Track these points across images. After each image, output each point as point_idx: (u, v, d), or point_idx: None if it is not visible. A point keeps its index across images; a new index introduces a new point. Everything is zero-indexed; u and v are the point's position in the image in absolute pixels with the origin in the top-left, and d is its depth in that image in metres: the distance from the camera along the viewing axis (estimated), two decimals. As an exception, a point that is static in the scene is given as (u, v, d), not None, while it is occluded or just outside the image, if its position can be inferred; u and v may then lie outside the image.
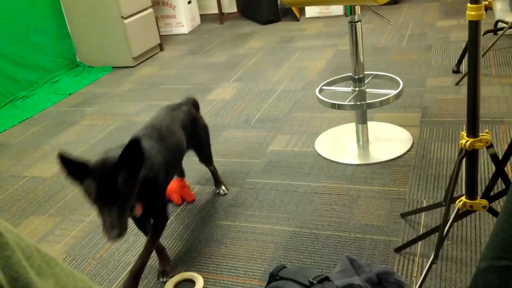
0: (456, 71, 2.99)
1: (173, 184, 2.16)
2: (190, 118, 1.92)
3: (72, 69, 4.24)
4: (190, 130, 1.90)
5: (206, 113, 3.02)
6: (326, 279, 1.24)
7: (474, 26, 1.32)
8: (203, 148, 2.04)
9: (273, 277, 1.34)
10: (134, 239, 1.95)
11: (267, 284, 1.36)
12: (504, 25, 3.38)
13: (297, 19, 4.76)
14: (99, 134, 2.97)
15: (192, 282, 1.68)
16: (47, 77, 4.04)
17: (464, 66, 3.02)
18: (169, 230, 1.97)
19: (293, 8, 4.73)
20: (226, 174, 2.30)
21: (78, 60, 4.34)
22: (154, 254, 1.83)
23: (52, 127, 3.20)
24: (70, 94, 3.76)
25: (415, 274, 1.56)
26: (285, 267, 1.36)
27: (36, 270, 0.53)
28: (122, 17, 3.98)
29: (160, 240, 1.83)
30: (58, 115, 3.40)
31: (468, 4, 1.30)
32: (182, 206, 2.12)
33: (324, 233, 1.81)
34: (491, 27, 3.50)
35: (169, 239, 1.92)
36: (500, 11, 3.67)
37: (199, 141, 2.00)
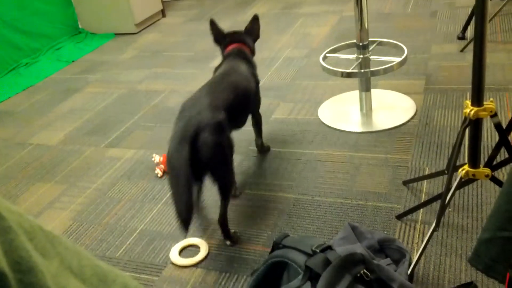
0: (462, 37, 2.96)
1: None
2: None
3: (75, 36, 4.21)
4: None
5: (209, 80, 3.00)
6: (329, 248, 1.26)
7: (480, -8, 1.30)
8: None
9: (277, 245, 1.36)
10: (140, 206, 1.98)
11: (270, 252, 1.39)
12: (512, -10, 3.31)
13: (301, -16, 4.65)
14: (103, 102, 2.97)
15: (197, 247, 1.71)
16: (50, 44, 4.02)
17: (469, 33, 2.99)
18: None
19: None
20: (230, 142, 2.31)
21: (80, 26, 4.30)
22: (153, 227, 1.87)
23: (56, 95, 3.20)
24: (73, 61, 3.75)
25: (416, 241, 1.59)
26: (288, 235, 1.38)
27: (40, 251, 0.54)
28: (124, -18, 3.93)
29: (166, 205, 1.86)
30: (61, 83, 3.39)
31: (475, -29, 1.28)
32: (186, 173, 2.14)
33: (326, 200, 1.84)
34: (499, -8, 3.43)
35: (172, 206, 1.94)
36: (508, -25, 3.59)
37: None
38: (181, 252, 1.71)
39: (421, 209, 1.70)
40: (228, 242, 1.71)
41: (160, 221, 1.88)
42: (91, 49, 3.93)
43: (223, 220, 1.68)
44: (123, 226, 1.89)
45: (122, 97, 3.00)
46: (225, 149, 1.62)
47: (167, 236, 1.79)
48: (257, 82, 2.00)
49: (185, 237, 1.75)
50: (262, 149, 2.19)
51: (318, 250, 1.25)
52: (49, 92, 3.27)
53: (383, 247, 1.43)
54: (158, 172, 2.15)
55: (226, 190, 1.67)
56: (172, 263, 1.67)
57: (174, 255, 1.69)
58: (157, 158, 2.20)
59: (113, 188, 2.13)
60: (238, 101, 1.77)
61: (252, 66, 2.00)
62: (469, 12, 2.97)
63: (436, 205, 1.70)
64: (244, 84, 1.85)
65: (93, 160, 2.38)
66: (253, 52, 2.09)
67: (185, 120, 1.57)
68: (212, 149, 1.55)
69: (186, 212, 1.50)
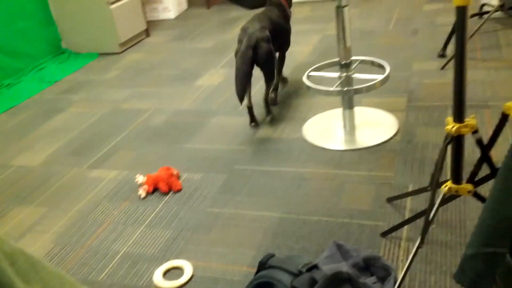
0: (442, 55, 3.00)
1: (161, 173, 2.16)
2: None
3: (58, 56, 4.19)
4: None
5: (194, 99, 3.01)
6: (315, 267, 1.25)
7: (461, 11, 1.32)
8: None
9: (262, 265, 1.35)
10: (123, 228, 1.95)
11: (256, 273, 1.37)
12: (489, 8, 3.39)
13: (284, 3, 4.72)
14: (86, 121, 2.95)
15: (181, 270, 1.69)
16: (33, 64, 3.99)
17: (449, 50, 3.04)
18: (157, 218, 1.98)
19: (280, -8, 4.69)
20: (214, 161, 2.30)
21: (63, 46, 4.29)
22: (136, 249, 1.84)
23: (39, 115, 3.17)
24: (56, 81, 3.72)
25: (401, 258, 1.59)
26: (274, 255, 1.37)
27: (21, 276, 0.52)
28: (108, 2, 3.93)
29: (149, 227, 1.84)
30: (44, 103, 3.36)
31: (455, -11, 1.30)
32: (170, 194, 2.12)
33: (312, 218, 1.83)
34: (477, 11, 3.50)
35: (157, 227, 1.92)
36: (486, -6, 3.67)
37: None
38: (165, 274, 1.69)
39: (406, 226, 1.70)
40: (268, 118, 2.62)
41: (143, 243, 1.85)
42: (74, 69, 3.91)
43: (266, 99, 2.61)
44: (106, 248, 1.86)
45: (105, 116, 2.98)
46: (271, 52, 2.45)
47: (151, 259, 1.77)
48: (289, 27, 2.79)
49: (242, 105, 2.48)
50: (285, 81, 2.98)
51: (304, 270, 1.24)
52: (31, 113, 3.24)
53: (369, 265, 1.43)
54: (142, 193, 2.13)
55: (270, 78, 2.52)
56: (156, 286, 1.64)
57: (157, 278, 1.66)
58: (140, 178, 2.18)
59: (95, 210, 2.10)
60: (275, 30, 2.56)
61: (286, 13, 2.75)
62: (449, 31, 3.02)
63: (420, 221, 1.70)
64: (278, 21, 2.66)
65: (75, 181, 2.35)
66: (289, 4, 2.82)
67: (248, 35, 2.43)
68: (265, 51, 2.41)
69: (242, 91, 2.42)
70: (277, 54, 2.69)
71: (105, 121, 2.92)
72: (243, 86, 2.42)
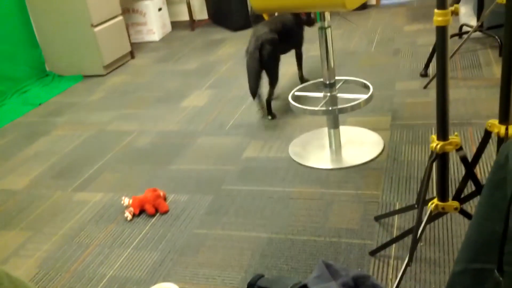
0: (424, 74, 3.06)
1: (147, 194, 2.14)
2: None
3: (42, 79, 4.17)
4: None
5: (179, 120, 3.00)
6: (304, 287, 1.25)
7: (441, 31, 1.35)
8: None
9: (251, 286, 1.34)
10: (109, 251, 1.93)
11: (245, 293, 1.36)
12: (469, 28, 3.47)
13: (268, 25, 4.78)
14: (71, 144, 2.92)
15: (169, 292, 1.67)
16: (16, 87, 3.96)
17: (431, 70, 3.09)
18: (144, 240, 1.95)
19: (264, 15, 4.75)
20: (201, 182, 2.30)
21: (47, 69, 4.27)
22: (122, 272, 1.82)
23: (22, 139, 3.14)
24: (40, 104, 3.70)
25: (390, 277, 1.59)
26: (263, 276, 1.36)
27: None
28: (92, 25, 3.94)
29: (136, 250, 1.82)
30: (28, 126, 3.33)
31: (435, 10, 1.33)
32: (156, 216, 2.10)
33: (300, 238, 1.83)
34: (456, 31, 3.59)
35: (144, 250, 1.90)
36: (464, 15, 3.77)
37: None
38: (153, 297, 1.66)
39: (394, 244, 1.71)
40: (269, 117, 2.83)
41: (130, 266, 1.83)
42: (58, 92, 3.89)
43: (269, 100, 2.82)
44: (92, 273, 1.83)
45: (90, 139, 2.96)
46: (274, 54, 2.74)
47: (138, 282, 1.74)
48: (301, 29, 3.07)
49: (253, 99, 2.83)
50: (303, 80, 3.25)
51: (293, 290, 1.23)
52: (14, 136, 3.20)
53: (358, 284, 1.42)
54: (128, 215, 2.10)
55: (273, 79, 2.80)
56: (144, 310, 1.62)
57: (145, 301, 1.63)
58: (126, 200, 2.16)
59: (80, 234, 2.07)
60: (286, 32, 2.86)
61: (299, 16, 2.97)
62: (430, 51, 3.08)
63: (408, 239, 1.71)
64: (289, 24, 2.92)
65: (60, 204, 2.32)
66: None
67: (256, 37, 2.70)
68: (267, 53, 2.68)
69: (254, 88, 2.76)
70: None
71: (90, 144, 2.90)
72: (254, 84, 2.76)
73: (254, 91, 2.76)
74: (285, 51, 3.01)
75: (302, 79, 3.23)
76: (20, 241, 2.09)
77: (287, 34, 2.89)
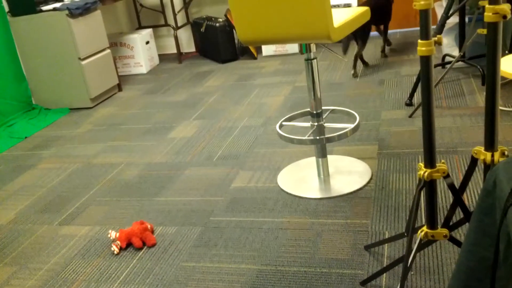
0: (409, 104, 3.10)
1: (134, 227, 2.12)
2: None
3: (28, 112, 4.15)
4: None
5: (166, 152, 2.99)
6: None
7: (425, 60, 1.38)
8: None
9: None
10: (96, 286, 1.88)
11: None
12: (451, 59, 3.55)
13: (254, 58, 4.84)
14: (56, 178, 2.89)
15: (157, 327, 1.63)
16: (2, 121, 3.93)
17: (416, 99, 3.14)
18: (131, 274, 1.92)
19: (250, 47, 4.82)
20: (189, 213, 2.27)
21: (34, 102, 4.26)
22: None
23: (7, 173, 3.10)
24: (25, 137, 3.67)
25: (382, 307, 1.57)
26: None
27: None
28: (79, 58, 3.95)
29: (124, 284, 1.78)
30: (13, 160, 3.30)
31: (419, 40, 1.36)
32: (144, 249, 2.07)
33: (290, 269, 1.81)
34: (439, 61, 3.66)
35: (131, 284, 1.86)
36: (446, 45, 3.86)
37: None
38: (140, 333, 1.62)
39: (384, 274, 1.70)
40: (364, 65, 3.96)
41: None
42: (45, 125, 3.87)
43: (356, 55, 3.80)
44: (78, 308, 1.78)
45: (76, 172, 2.93)
46: (366, 25, 3.65)
47: (125, 317, 1.70)
48: (390, 3, 3.99)
49: (343, 54, 3.88)
50: (384, 52, 4.22)
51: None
52: (0, 169, 3.17)
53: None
54: (115, 249, 2.07)
55: (361, 44, 3.76)
56: None
57: (132, 337, 1.59)
58: (113, 234, 2.12)
59: (66, 268, 2.03)
60: (377, 6, 3.85)
61: None
62: (414, 80, 3.13)
63: (399, 268, 1.70)
64: (381, 1, 3.92)
65: (45, 239, 2.27)
66: None
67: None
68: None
69: (345, 48, 3.95)
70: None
71: (76, 177, 2.87)
72: (345, 44, 3.92)
73: (345, 49, 3.94)
74: (376, 23, 4.00)
75: (384, 52, 4.21)
76: (5, 276, 2.04)
77: (380, 8, 3.80)
